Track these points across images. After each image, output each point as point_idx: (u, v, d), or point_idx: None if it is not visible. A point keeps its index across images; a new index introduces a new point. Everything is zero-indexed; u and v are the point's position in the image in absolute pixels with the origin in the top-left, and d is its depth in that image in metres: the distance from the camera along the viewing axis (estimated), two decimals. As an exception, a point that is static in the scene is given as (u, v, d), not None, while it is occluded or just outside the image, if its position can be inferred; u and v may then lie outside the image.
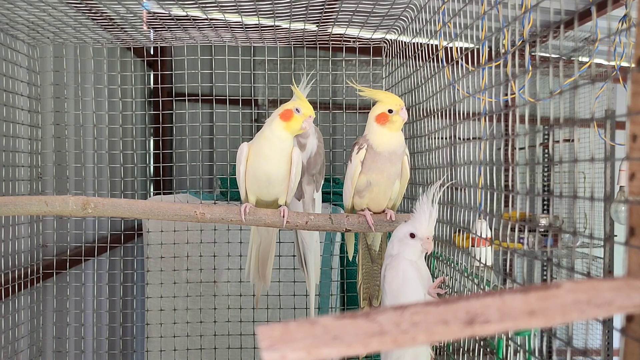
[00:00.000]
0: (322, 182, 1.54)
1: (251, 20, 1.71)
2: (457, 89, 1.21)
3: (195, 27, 1.78)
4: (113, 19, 1.70)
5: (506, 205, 2.74)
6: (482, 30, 1.07)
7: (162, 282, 2.00)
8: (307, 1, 1.52)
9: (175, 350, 1.98)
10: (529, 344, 0.99)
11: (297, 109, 1.28)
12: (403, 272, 1.13)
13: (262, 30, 1.81)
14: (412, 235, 1.16)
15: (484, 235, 1.24)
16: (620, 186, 2.23)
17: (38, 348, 1.96)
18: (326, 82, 2.65)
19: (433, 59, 1.40)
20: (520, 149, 3.62)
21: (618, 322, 0.69)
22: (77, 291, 2.11)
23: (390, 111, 1.28)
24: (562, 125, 0.80)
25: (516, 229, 2.48)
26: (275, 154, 1.28)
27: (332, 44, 1.95)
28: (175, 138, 2.14)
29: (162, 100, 2.07)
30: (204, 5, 1.55)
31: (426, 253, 1.19)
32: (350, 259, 1.60)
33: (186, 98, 2.83)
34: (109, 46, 2.00)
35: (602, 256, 2.68)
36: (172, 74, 2.05)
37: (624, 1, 1.36)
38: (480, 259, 1.13)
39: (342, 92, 1.98)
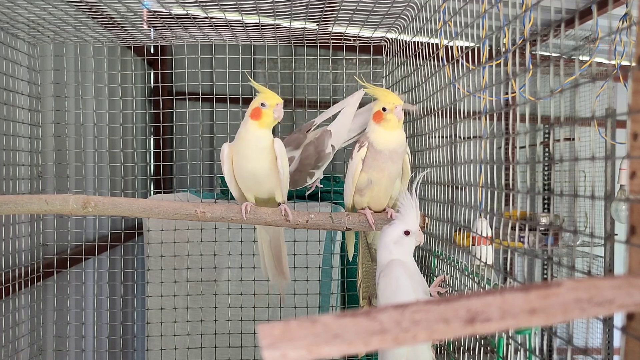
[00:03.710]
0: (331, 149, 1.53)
1: (251, 18, 1.71)
2: (458, 88, 1.20)
3: (195, 26, 1.78)
4: (113, 18, 1.70)
5: (507, 204, 2.74)
6: (483, 28, 1.07)
7: (162, 280, 2.00)
8: (308, 0, 1.52)
9: (175, 349, 1.98)
10: (530, 343, 0.99)
11: (262, 104, 1.27)
12: (396, 280, 1.14)
13: (262, 28, 1.81)
14: (407, 233, 1.17)
15: (484, 234, 1.24)
16: (621, 185, 2.23)
17: (38, 347, 1.96)
18: (327, 80, 2.65)
19: (433, 58, 1.39)
20: (521, 147, 3.62)
21: (619, 320, 0.69)
22: (78, 290, 2.11)
23: (384, 109, 1.28)
24: (563, 123, 0.80)
25: (517, 228, 2.48)
26: (255, 153, 1.29)
27: (333, 42, 1.95)
28: (175, 137, 2.14)
29: (162, 99, 2.07)
30: (204, 3, 1.55)
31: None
32: (351, 258, 1.60)
33: (186, 97, 2.84)
34: (109, 45, 2.00)
35: (603, 255, 2.68)
36: (172, 72, 2.05)
37: (625, 0, 1.36)
38: (480, 257, 1.13)
39: (342, 90, 1.98)
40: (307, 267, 1.95)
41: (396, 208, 1.26)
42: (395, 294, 1.12)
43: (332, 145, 1.52)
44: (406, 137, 1.33)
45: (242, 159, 1.30)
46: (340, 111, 1.54)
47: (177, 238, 1.97)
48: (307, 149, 1.50)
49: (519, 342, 0.99)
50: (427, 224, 1.38)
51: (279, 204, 1.36)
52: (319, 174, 1.58)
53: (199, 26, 1.78)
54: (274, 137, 1.31)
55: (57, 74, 2.00)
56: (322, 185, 1.73)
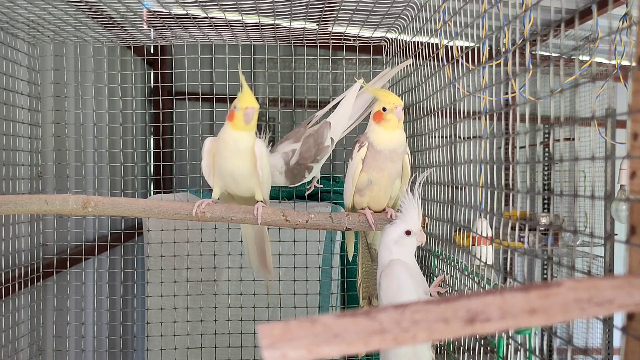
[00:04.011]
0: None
1: (251, 18, 1.70)
2: (458, 88, 1.20)
3: (195, 26, 1.78)
4: (113, 18, 1.70)
5: (507, 204, 2.74)
6: (483, 28, 1.07)
7: (162, 280, 2.00)
8: (307, 0, 1.52)
9: (175, 349, 1.98)
10: (530, 343, 0.99)
11: (234, 106, 1.26)
12: (398, 279, 1.13)
13: (262, 28, 1.81)
14: (408, 233, 1.17)
15: (484, 234, 1.24)
16: (621, 185, 2.23)
17: (38, 347, 1.96)
18: (326, 80, 2.65)
19: (433, 58, 1.39)
20: (521, 147, 3.62)
21: (619, 320, 0.69)
22: (78, 290, 2.11)
23: (384, 109, 1.28)
24: (563, 123, 0.80)
25: (517, 228, 2.48)
26: (232, 154, 1.29)
27: (333, 42, 1.95)
28: (175, 137, 2.14)
29: (162, 99, 2.07)
30: (204, 3, 1.55)
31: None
32: (350, 258, 1.60)
33: (186, 97, 2.83)
34: (109, 45, 2.00)
35: (603, 255, 2.68)
36: (172, 72, 2.05)
37: (625, 0, 1.36)
38: (480, 257, 1.13)
39: (342, 90, 1.98)
40: (307, 267, 1.95)
41: (397, 208, 1.26)
42: (397, 294, 1.12)
43: (331, 137, 1.53)
44: (406, 137, 1.33)
45: (221, 159, 1.31)
46: (339, 103, 1.55)
47: (177, 238, 1.97)
48: (306, 142, 1.50)
49: (519, 342, 0.99)
50: (427, 224, 1.38)
51: (256, 202, 1.35)
52: (317, 169, 1.58)
53: (199, 26, 1.78)
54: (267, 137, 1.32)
55: (57, 73, 2.00)
56: (321, 185, 1.73)
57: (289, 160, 1.50)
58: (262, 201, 1.35)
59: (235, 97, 1.27)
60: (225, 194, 1.40)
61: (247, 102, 1.25)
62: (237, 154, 1.28)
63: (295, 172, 1.51)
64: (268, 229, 1.52)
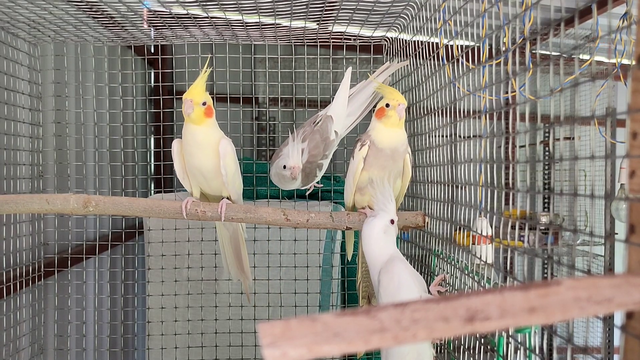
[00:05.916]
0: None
1: (252, 18, 1.71)
2: (458, 87, 1.21)
3: (195, 25, 1.78)
4: (114, 17, 1.70)
5: (507, 203, 2.74)
6: (483, 28, 1.07)
7: (163, 280, 2.01)
8: (308, -1, 1.52)
9: (176, 348, 1.98)
10: (530, 342, 0.99)
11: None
12: (398, 276, 1.13)
13: (262, 28, 1.81)
14: (392, 222, 1.18)
15: (484, 233, 1.24)
16: (621, 184, 2.23)
17: (39, 346, 1.96)
18: (327, 80, 2.65)
19: (433, 57, 1.40)
20: (521, 146, 3.62)
21: (618, 319, 0.70)
22: (79, 289, 2.12)
23: (387, 105, 1.28)
24: (563, 123, 0.80)
25: (517, 227, 2.48)
26: (193, 148, 1.28)
27: (333, 42, 1.95)
28: (176, 136, 2.13)
29: (162, 99, 2.07)
30: (204, 3, 1.55)
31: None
32: (350, 258, 1.60)
33: (187, 96, 2.84)
34: (109, 44, 2.00)
35: (603, 254, 2.69)
36: (172, 72, 2.05)
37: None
38: (480, 256, 1.14)
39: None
40: (307, 266, 1.95)
41: (397, 207, 1.26)
42: (397, 291, 1.12)
43: (335, 131, 1.52)
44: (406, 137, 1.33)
45: (187, 155, 1.31)
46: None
47: (178, 237, 1.97)
48: (313, 139, 1.50)
49: (519, 341, 0.99)
50: (428, 223, 1.38)
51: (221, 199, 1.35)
52: (326, 165, 1.58)
53: (199, 25, 1.78)
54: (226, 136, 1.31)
55: (57, 73, 2.00)
56: (322, 185, 1.73)
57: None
58: (228, 198, 1.35)
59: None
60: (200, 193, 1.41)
61: (186, 95, 1.25)
62: (197, 148, 1.28)
63: (307, 172, 1.50)
64: (255, 227, 1.51)
